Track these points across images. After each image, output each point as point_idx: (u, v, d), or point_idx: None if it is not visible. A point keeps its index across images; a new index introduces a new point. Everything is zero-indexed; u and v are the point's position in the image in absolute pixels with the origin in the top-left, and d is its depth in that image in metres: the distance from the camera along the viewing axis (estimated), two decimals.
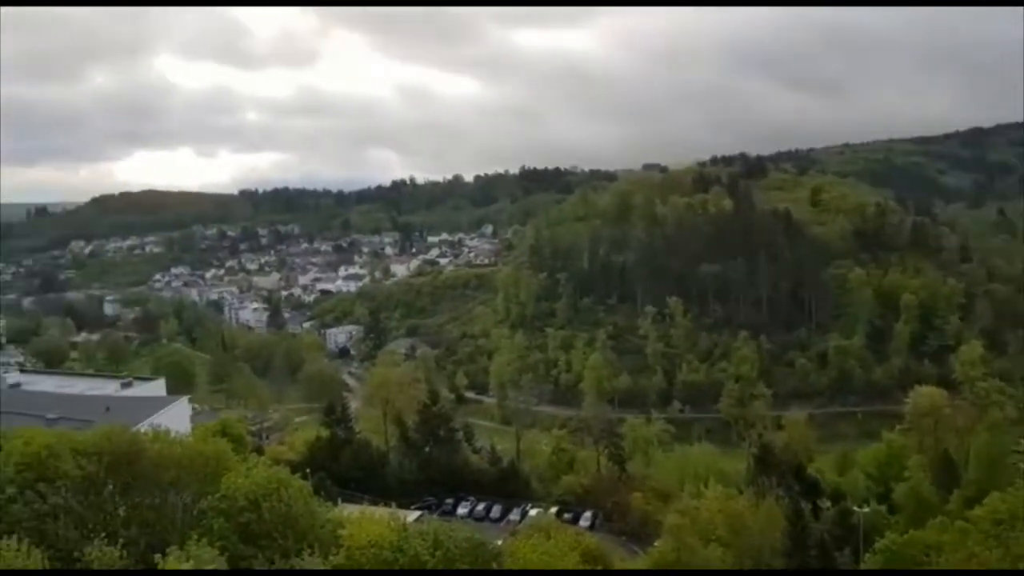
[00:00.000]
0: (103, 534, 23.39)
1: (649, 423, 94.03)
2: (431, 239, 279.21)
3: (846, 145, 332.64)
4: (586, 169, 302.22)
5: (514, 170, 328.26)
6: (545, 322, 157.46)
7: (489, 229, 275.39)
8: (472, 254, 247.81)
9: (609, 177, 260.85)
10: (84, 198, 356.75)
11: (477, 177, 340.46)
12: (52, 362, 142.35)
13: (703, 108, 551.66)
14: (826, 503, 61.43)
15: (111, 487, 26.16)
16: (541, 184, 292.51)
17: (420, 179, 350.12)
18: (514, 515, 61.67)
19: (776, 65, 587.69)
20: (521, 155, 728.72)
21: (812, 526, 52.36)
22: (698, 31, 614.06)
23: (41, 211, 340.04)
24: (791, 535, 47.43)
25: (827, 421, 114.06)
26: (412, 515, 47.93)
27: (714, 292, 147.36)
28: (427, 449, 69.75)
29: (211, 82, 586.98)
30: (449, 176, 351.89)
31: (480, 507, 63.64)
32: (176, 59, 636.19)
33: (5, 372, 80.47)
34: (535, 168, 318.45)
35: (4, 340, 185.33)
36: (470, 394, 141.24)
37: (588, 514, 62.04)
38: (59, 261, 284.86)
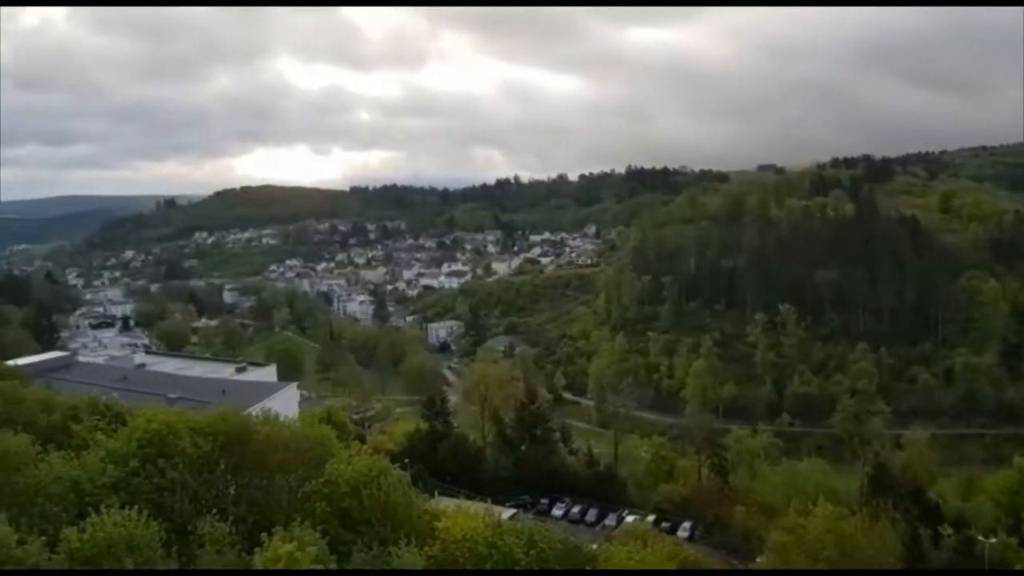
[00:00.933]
0: (215, 510, 24.39)
1: (755, 435, 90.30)
2: (533, 238, 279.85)
3: (982, 147, 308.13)
4: (696, 169, 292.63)
5: (620, 169, 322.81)
6: (647, 326, 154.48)
7: (592, 229, 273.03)
8: (574, 254, 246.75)
9: (720, 178, 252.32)
10: (208, 192, 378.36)
11: (582, 176, 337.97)
12: (174, 345, 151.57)
13: (823, 107, 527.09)
14: (947, 530, 56.96)
15: (223, 466, 27.22)
16: (648, 184, 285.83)
17: (524, 178, 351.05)
18: (610, 520, 60.71)
19: (904, 62, 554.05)
20: (627, 154, 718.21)
21: (931, 554, 48.78)
22: (818, 27, 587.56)
23: (170, 203, 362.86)
24: (907, 562, 44.31)
25: (951, 442, 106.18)
26: (507, 512, 47.81)
27: (830, 301, 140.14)
28: (523, 447, 69.64)
29: (325, 83, 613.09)
30: (553, 175, 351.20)
31: (575, 509, 62.96)
32: (293, 61, 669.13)
33: (133, 353, 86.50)
34: (642, 168, 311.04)
35: (133, 323, 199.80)
36: (568, 395, 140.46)
37: (687, 524, 60.21)
38: (184, 250, 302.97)
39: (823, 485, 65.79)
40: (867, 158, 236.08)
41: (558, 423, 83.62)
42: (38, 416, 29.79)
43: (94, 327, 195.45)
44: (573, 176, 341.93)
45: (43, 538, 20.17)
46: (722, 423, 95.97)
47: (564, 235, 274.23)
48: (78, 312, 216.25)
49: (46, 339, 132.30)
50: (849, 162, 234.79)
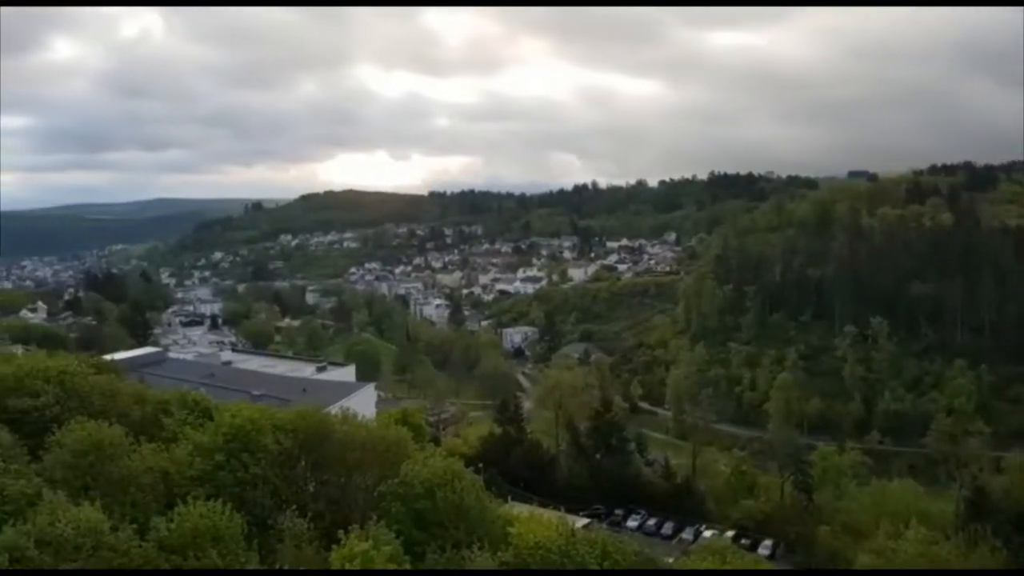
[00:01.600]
0: (294, 505, 24.83)
1: (843, 452, 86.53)
2: (610, 244, 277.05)
3: None
4: (783, 175, 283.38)
5: (701, 175, 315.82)
6: (729, 336, 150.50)
7: (672, 236, 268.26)
8: (652, 261, 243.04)
9: (809, 184, 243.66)
10: (293, 196, 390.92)
11: (662, 182, 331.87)
12: (259, 344, 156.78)
13: (920, 112, 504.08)
14: None
15: (303, 463, 27.69)
16: (731, 190, 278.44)
17: (602, 183, 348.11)
18: (687, 534, 59.28)
19: (1007, 65, 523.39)
20: (709, 160, 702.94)
21: None
22: (914, 29, 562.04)
23: (257, 206, 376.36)
24: None
25: None
26: (580, 521, 47.14)
27: (926, 315, 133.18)
28: (598, 456, 68.88)
29: (405, 89, 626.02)
30: (632, 180, 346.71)
31: (651, 522, 61.70)
32: (374, 68, 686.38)
33: (220, 350, 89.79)
34: (725, 173, 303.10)
35: (221, 321, 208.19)
36: (644, 405, 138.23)
37: (768, 542, 58.16)
38: (270, 252, 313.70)
39: (915, 507, 62.38)
40: (968, 165, 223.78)
41: (634, 433, 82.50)
42: (131, 409, 31.02)
43: (184, 325, 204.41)
44: (653, 182, 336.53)
45: (134, 525, 20.89)
46: (807, 439, 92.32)
47: (642, 242, 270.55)
48: (170, 310, 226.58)
49: (140, 335, 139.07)
50: (948, 169, 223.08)
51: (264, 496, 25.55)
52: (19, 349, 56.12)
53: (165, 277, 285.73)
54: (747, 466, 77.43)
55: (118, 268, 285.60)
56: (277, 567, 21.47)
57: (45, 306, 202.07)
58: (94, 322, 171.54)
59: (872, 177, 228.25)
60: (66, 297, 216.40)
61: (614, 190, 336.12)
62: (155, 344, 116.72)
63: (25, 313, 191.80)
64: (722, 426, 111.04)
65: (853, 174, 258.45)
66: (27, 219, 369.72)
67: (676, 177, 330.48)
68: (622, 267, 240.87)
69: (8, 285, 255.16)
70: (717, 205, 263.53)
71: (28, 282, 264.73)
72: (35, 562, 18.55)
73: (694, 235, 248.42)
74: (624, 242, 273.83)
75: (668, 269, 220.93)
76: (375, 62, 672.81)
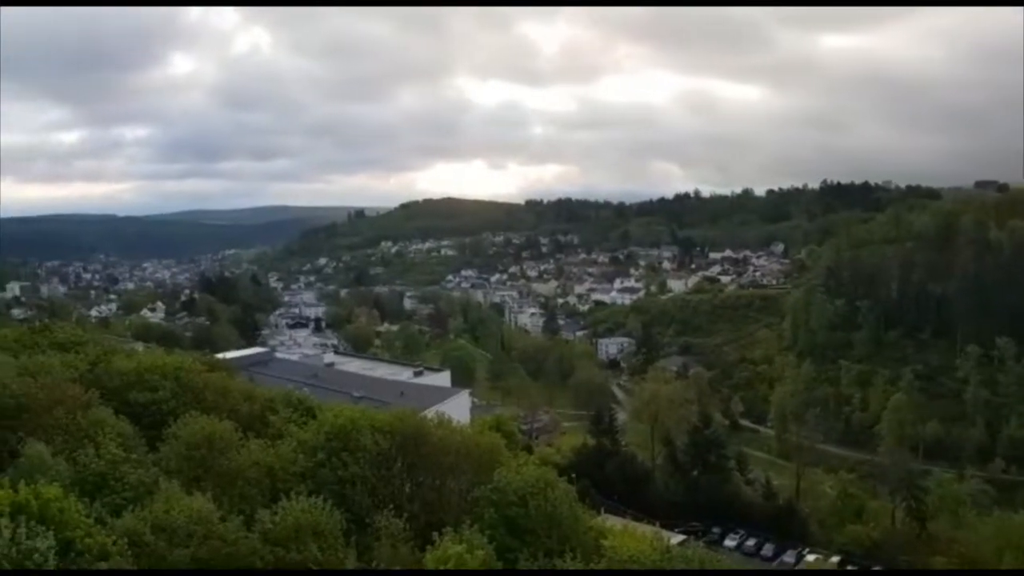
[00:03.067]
0: (391, 505, 25.24)
1: (962, 480, 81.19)
2: (713, 255, 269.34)
3: None
4: (902, 185, 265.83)
5: (812, 184, 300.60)
6: (839, 353, 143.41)
7: (779, 248, 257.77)
8: (758, 273, 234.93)
9: (931, 195, 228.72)
10: (394, 204, 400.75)
11: (769, 192, 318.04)
12: (359, 347, 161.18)
13: None
14: None
15: (400, 464, 28.13)
16: (845, 200, 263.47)
17: (705, 192, 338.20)
18: (788, 557, 57.01)
19: None
20: (820, 168, 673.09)
21: None
22: None
23: (359, 214, 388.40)
24: None
25: None
26: (676, 538, 45.87)
27: None
28: (695, 473, 67.16)
29: (502, 99, 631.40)
30: (737, 190, 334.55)
31: (750, 542, 59.60)
32: (471, 79, 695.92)
33: (323, 352, 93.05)
34: (838, 183, 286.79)
35: (324, 324, 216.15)
36: (745, 422, 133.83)
37: (877, 569, 55.02)
38: (371, 258, 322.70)
39: None
40: None
41: (734, 450, 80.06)
42: (241, 405, 32.43)
43: (290, 327, 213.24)
44: (759, 191, 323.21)
45: (241, 517, 21.76)
46: (922, 464, 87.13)
47: (747, 253, 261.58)
48: (277, 312, 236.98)
49: (249, 336, 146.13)
50: None
51: (362, 495, 26.10)
52: (140, 346, 60.05)
53: (273, 281, 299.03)
54: (855, 489, 73.59)
55: (230, 271, 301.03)
56: (374, 565, 21.84)
57: (163, 306, 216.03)
58: (207, 322, 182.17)
59: (1002, 188, 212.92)
60: (182, 298, 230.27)
61: (718, 199, 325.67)
62: (263, 344, 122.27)
63: (145, 312, 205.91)
64: (828, 447, 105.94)
65: (980, 184, 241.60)
66: (148, 224, 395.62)
67: (785, 186, 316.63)
68: (725, 279, 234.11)
69: (131, 286, 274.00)
70: (829, 215, 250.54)
71: (148, 283, 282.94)
72: (151, 546, 19.58)
73: (803, 246, 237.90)
74: (727, 253, 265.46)
75: (774, 281, 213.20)
76: (472, 73, 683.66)
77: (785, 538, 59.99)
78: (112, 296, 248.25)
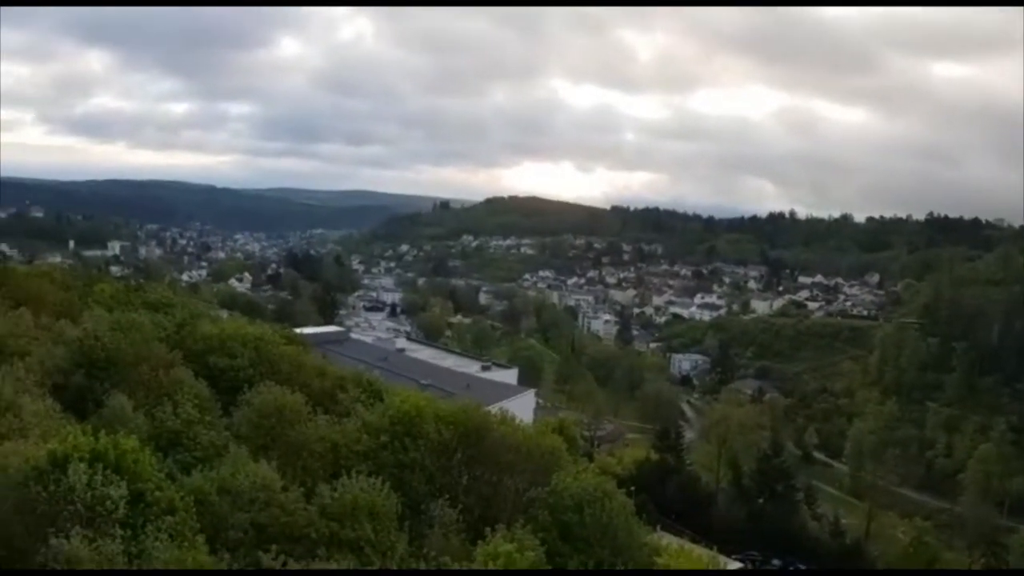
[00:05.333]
0: (447, 495, 25.41)
1: None
2: (802, 279, 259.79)
3: None
4: (1015, 224, 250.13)
5: (917, 215, 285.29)
6: (927, 394, 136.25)
7: (875, 278, 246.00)
8: (848, 303, 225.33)
9: None
10: (478, 198, 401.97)
11: (870, 219, 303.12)
12: (431, 336, 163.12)
13: None
14: None
15: (459, 455, 28.25)
16: (951, 235, 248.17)
17: (801, 213, 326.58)
18: None
19: None
20: (926, 200, 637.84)
21: None
22: None
23: (444, 205, 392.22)
24: None
25: None
26: (733, 564, 44.67)
27: None
28: (760, 500, 65.14)
29: (594, 102, 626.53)
30: (836, 214, 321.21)
31: None
32: (564, 81, 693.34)
33: (395, 337, 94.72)
34: (946, 216, 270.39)
35: (399, 310, 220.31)
36: (819, 455, 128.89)
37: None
38: (451, 250, 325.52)
39: None
40: None
41: (803, 482, 77.31)
42: (313, 380, 33.24)
43: (367, 309, 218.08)
44: (859, 217, 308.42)
45: (302, 488, 22.29)
46: (1006, 520, 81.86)
47: (839, 280, 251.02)
48: (355, 294, 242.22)
49: (327, 314, 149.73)
50: None
51: (420, 481, 26.32)
52: (224, 313, 62.48)
53: (355, 263, 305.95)
54: (930, 538, 69.83)
55: (316, 250, 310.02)
56: (425, 552, 21.96)
57: (250, 277, 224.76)
58: (289, 297, 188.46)
59: None
60: (268, 271, 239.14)
61: (813, 222, 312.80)
62: (339, 324, 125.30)
63: (233, 282, 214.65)
64: (905, 490, 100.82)
65: None
66: (243, 197, 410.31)
67: (886, 215, 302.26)
68: (812, 304, 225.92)
69: (222, 255, 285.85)
70: (932, 249, 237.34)
71: (238, 254, 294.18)
72: (215, 506, 20.24)
73: (901, 279, 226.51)
74: (818, 278, 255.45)
75: (866, 313, 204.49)
76: (565, 74, 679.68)
77: None
78: (203, 263, 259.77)
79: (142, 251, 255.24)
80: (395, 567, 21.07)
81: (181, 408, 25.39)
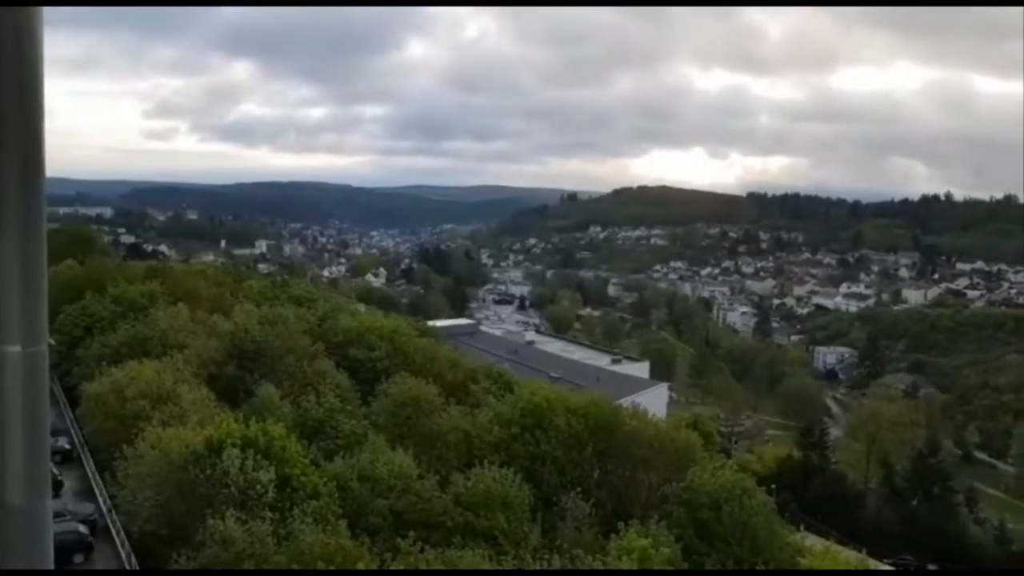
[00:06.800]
0: (579, 488, 25.22)
1: None
2: (961, 266, 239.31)
3: None
4: None
5: None
6: None
7: None
8: (1014, 291, 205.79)
9: None
10: (606, 189, 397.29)
11: None
12: (559, 328, 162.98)
13: None
14: None
15: (590, 449, 28.00)
16: None
17: (958, 195, 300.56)
18: None
19: None
20: None
21: None
22: None
23: (571, 197, 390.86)
24: None
25: None
26: (883, 568, 41.75)
27: None
28: (915, 502, 60.64)
29: (724, 85, 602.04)
30: (998, 195, 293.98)
31: None
32: (692, 67, 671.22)
33: (525, 330, 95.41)
34: None
35: (528, 303, 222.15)
36: (982, 455, 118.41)
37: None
38: (579, 242, 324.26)
39: None
40: None
41: (964, 484, 71.32)
42: (446, 372, 34.06)
43: (496, 302, 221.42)
44: None
45: (436, 477, 22.80)
46: None
47: (1002, 267, 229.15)
48: (485, 287, 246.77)
49: (458, 307, 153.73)
50: None
51: (551, 474, 26.30)
52: (362, 307, 65.25)
53: (484, 257, 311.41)
54: None
55: (446, 245, 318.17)
56: (557, 544, 21.87)
57: (385, 272, 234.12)
58: (422, 291, 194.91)
59: None
60: (402, 266, 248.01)
61: (972, 204, 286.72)
62: (470, 317, 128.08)
63: (369, 277, 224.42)
64: None
65: None
66: (378, 195, 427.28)
67: None
68: (973, 293, 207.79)
69: (359, 251, 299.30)
70: None
71: (374, 250, 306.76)
72: (355, 492, 21.06)
73: None
74: (979, 265, 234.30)
75: None
76: (693, 59, 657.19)
77: None
78: (342, 260, 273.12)
79: (286, 249, 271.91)
80: (529, 557, 21.12)
81: (324, 398, 26.65)
